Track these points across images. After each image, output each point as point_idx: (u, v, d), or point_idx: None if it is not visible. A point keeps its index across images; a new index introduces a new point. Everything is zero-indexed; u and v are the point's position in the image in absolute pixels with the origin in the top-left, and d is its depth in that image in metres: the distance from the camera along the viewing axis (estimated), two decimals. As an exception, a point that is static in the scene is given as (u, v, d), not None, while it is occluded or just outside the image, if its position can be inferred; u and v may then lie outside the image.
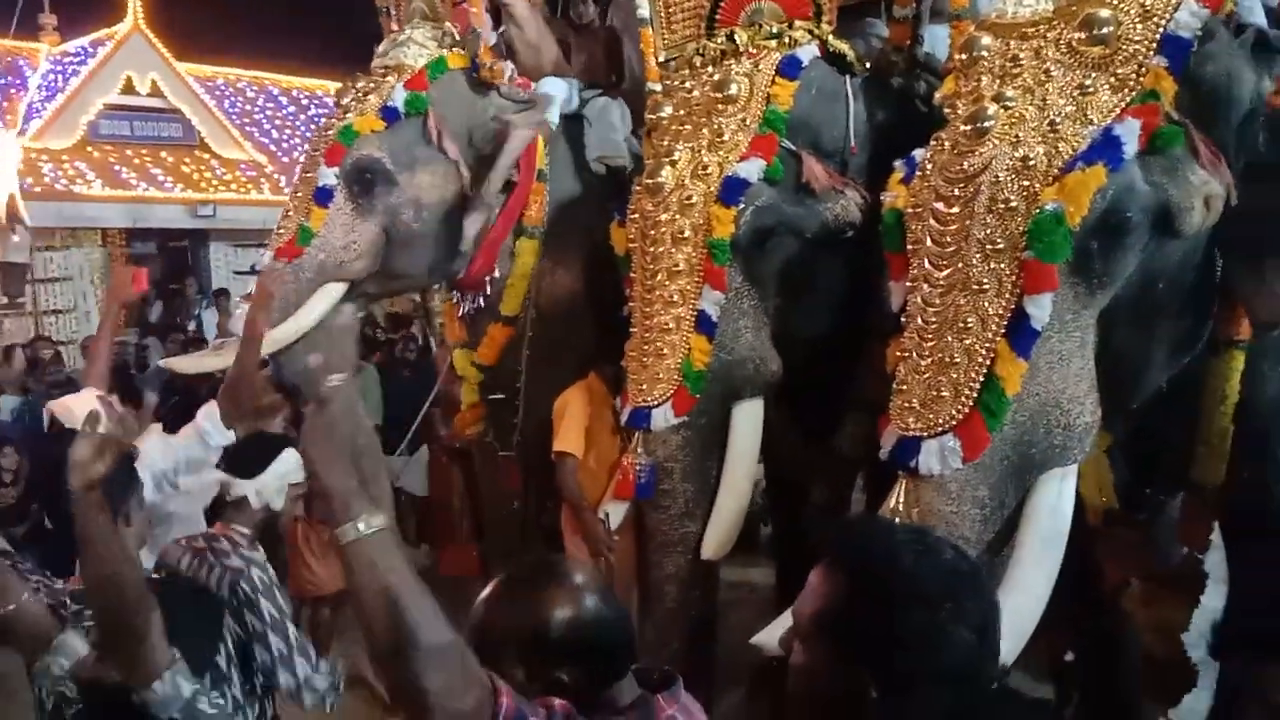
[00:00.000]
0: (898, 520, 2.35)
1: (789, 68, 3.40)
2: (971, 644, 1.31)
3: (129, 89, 12.63)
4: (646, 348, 3.31)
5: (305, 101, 15.74)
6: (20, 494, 5.62)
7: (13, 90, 12.27)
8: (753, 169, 3.26)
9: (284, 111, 15.45)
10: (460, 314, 4.67)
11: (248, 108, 14.99)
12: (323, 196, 3.95)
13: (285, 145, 14.64)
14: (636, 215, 3.43)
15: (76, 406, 3.66)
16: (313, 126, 14.53)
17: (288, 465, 2.80)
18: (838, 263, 3.40)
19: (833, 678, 1.35)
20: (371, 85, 4.15)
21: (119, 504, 2.36)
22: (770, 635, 2.61)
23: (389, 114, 4.03)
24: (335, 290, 3.96)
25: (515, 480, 4.78)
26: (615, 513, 3.65)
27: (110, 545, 1.87)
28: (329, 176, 3.95)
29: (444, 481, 6.46)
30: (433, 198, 4.07)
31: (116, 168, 12.29)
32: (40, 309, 11.26)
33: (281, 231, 4.03)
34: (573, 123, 4.53)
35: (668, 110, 3.52)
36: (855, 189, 3.34)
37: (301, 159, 12.54)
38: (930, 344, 2.52)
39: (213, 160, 13.32)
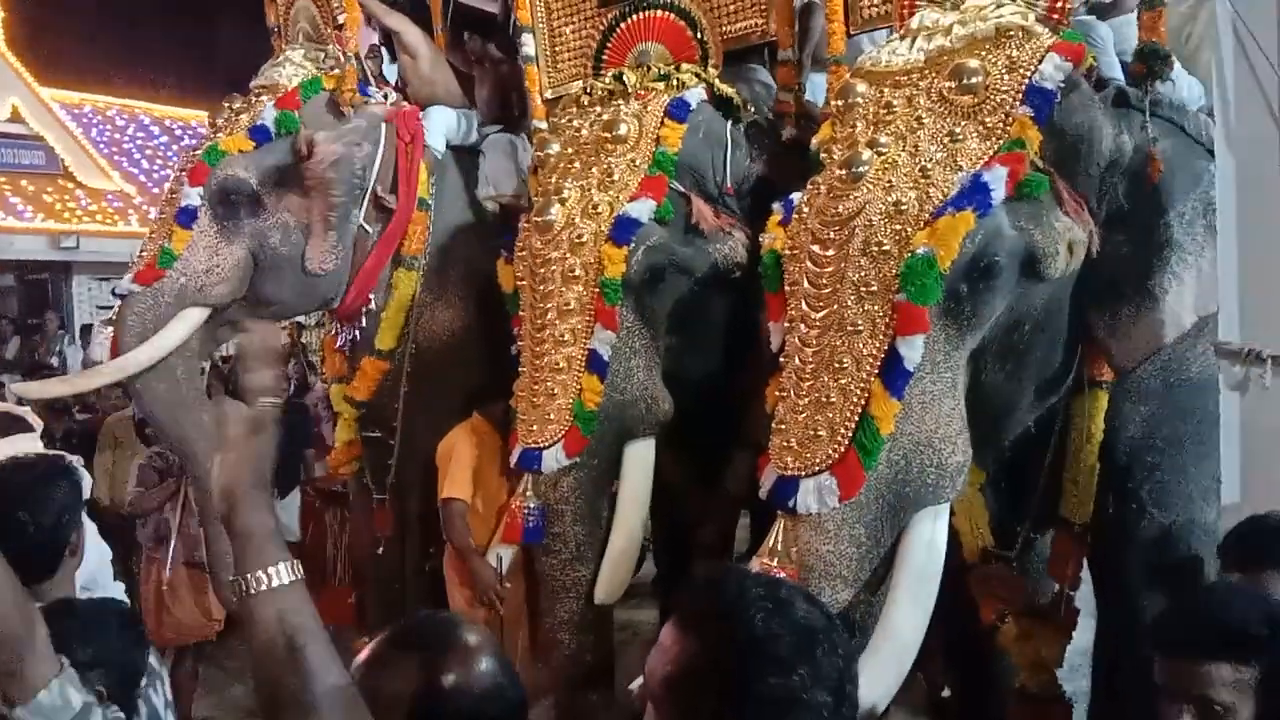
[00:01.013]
0: (754, 570, 2.32)
1: (677, 110, 3.43)
2: (827, 706, 1.24)
3: (-12, 114, 12.07)
4: (537, 387, 3.26)
5: (179, 131, 15.27)
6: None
7: None
8: (644, 209, 3.26)
9: (155, 141, 14.95)
10: (337, 346, 4.55)
11: (116, 136, 14.47)
12: (186, 218, 3.84)
13: (156, 176, 14.14)
14: (525, 252, 3.39)
15: None
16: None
17: None
18: (725, 303, 3.43)
19: None
20: (245, 105, 4.05)
21: (69, 532, 2.25)
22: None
23: (259, 133, 3.94)
24: (195, 315, 3.83)
25: (387, 524, 4.65)
26: (506, 556, 3.59)
27: None
28: (193, 197, 3.84)
29: (317, 525, 6.24)
30: (302, 220, 3.96)
31: (-29, 196, 11.70)
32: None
33: (143, 254, 3.90)
34: (466, 155, 4.49)
35: (555, 148, 3.50)
36: (742, 230, 3.37)
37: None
38: (807, 384, 2.53)
39: (77, 190, 12.79)
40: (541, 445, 3.20)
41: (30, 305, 12.79)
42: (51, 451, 3.37)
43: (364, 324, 4.33)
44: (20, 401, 4.12)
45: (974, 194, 2.48)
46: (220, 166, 3.85)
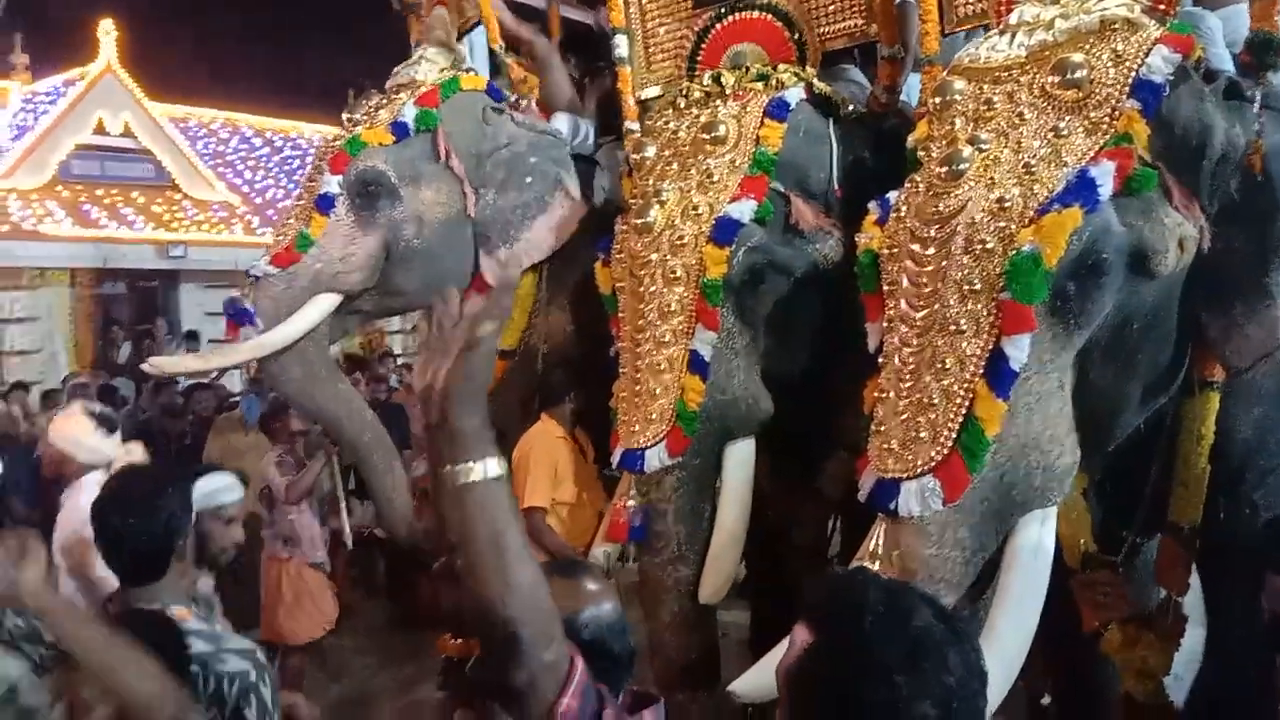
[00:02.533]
0: (882, 575, 2.32)
1: (777, 110, 3.42)
2: (930, 719, 1.23)
3: (101, 129, 12.57)
4: (638, 388, 3.28)
5: (279, 143, 15.73)
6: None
7: (-18, 130, 12.19)
8: (744, 209, 3.26)
9: (257, 153, 15.42)
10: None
11: (220, 148, 14.96)
12: (324, 204, 3.91)
13: (258, 186, 14.60)
14: (624, 255, 3.42)
15: (69, 428, 3.61)
16: (286, 168, 14.57)
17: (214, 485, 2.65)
18: (823, 303, 3.41)
19: None
20: (383, 101, 4.15)
21: (177, 538, 2.33)
22: (746, 683, 2.57)
23: (398, 129, 4.02)
24: (328, 301, 3.91)
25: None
26: (610, 555, 3.56)
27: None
28: (332, 184, 3.91)
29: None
30: (436, 215, 4.04)
31: (86, 207, 12.20)
32: (6, 349, 11.08)
33: (280, 238, 3.98)
34: (583, 163, 4.55)
35: (652, 150, 3.52)
36: (841, 230, 3.35)
37: (275, 200, 12.48)
38: (908, 385, 2.51)
39: (184, 200, 13.25)
40: (644, 445, 3.22)
41: (140, 312, 13.28)
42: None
43: None
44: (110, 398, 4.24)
45: (1080, 190, 2.44)
46: (360, 157, 3.94)
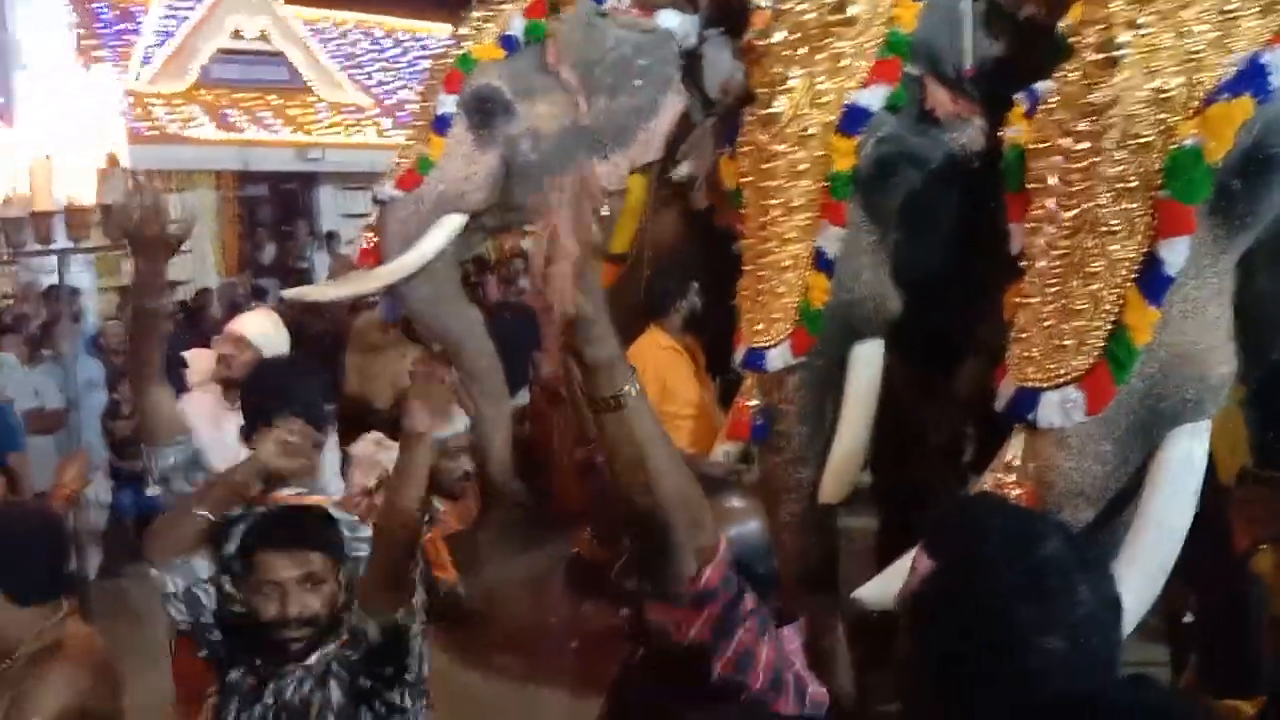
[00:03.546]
0: (1018, 487, 2.24)
1: None
2: (1058, 652, 1.15)
3: (237, 33, 12.83)
4: (762, 286, 3.21)
5: (408, 44, 15.80)
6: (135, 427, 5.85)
7: (126, 35, 12.56)
8: (875, 96, 3.12)
9: (387, 55, 15.53)
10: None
11: (351, 50, 15.11)
12: (441, 125, 3.95)
13: (388, 88, 14.74)
14: (750, 147, 3.31)
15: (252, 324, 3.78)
16: (415, 70, 14.65)
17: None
18: (960, 198, 3.26)
19: (910, 664, 1.27)
20: (490, 14, 4.13)
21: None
22: (871, 591, 2.54)
23: (507, 42, 4.01)
24: (455, 222, 3.98)
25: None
26: (731, 454, 3.56)
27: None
28: (448, 104, 3.94)
29: (543, 423, 6.50)
30: (551, 128, 4.03)
31: (227, 111, 12.54)
32: (159, 250, 11.60)
33: (401, 161, 4.03)
34: (689, 59, 4.43)
35: (779, 35, 3.34)
36: (980, 117, 3.18)
37: (405, 102, 12.52)
38: (1053, 290, 2.39)
39: (318, 103, 13.50)
40: (767, 344, 3.17)
41: (282, 213, 13.69)
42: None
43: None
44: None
45: (1251, 77, 2.26)
46: (473, 75, 3.94)
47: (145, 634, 2.42)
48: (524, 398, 6.67)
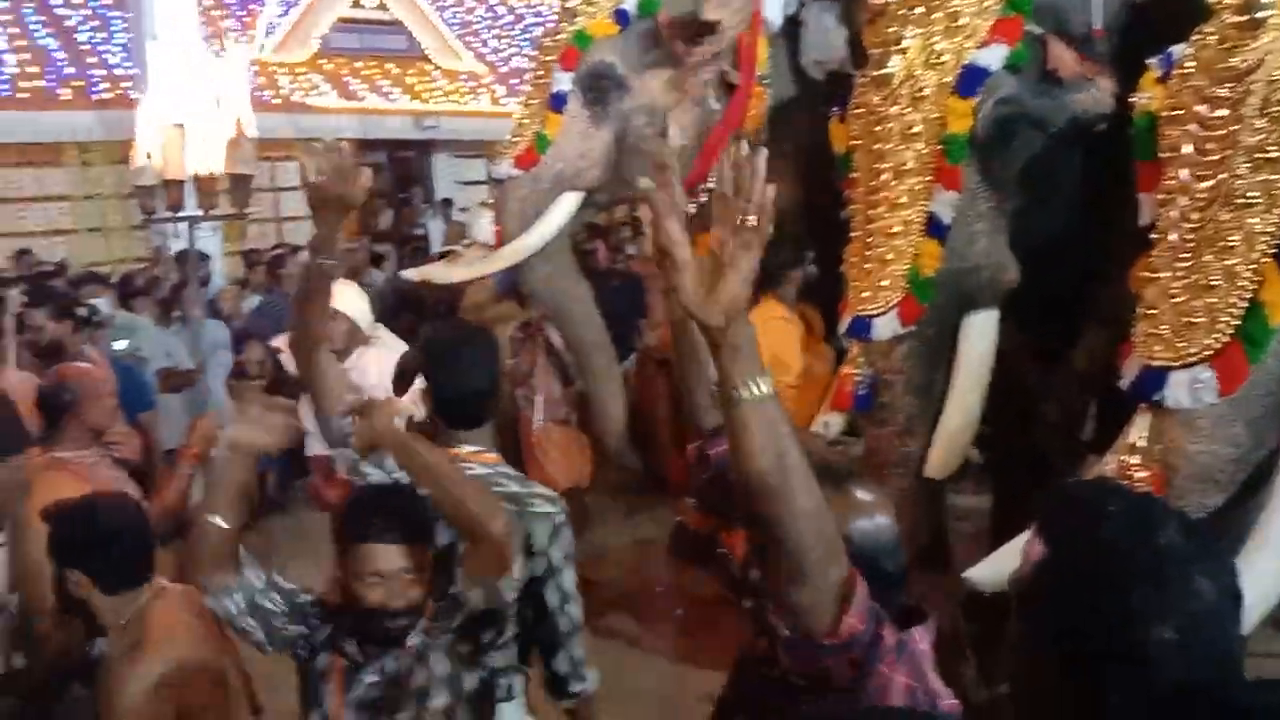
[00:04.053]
0: (1138, 473, 2.15)
1: None
2: (1170, 644, 1.11)
3: (357, 3, 13.08)
4: (869, 253, 3.14)
5: (523, 11, 15.89)
6: (265, 387, 6.08)
7: (251, 5, 12.93)
8: (994, 56, 3.01)
9: (502, 22, 15.65)
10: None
11: (467, 18, 15.27)
12: (558, 102, 3.94)
13: (503, 55, 14.87)
14: (861, 109, 3.23)
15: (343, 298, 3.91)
16: (529, 37, 14.73)
17: None
18: (1084, 163, 3.14)
19: (1021, 652, 1.24)
20: None
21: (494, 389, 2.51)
22: (983, 572, 2.48)
23: (621, 18, 3.98)
24: (572, 200, 3.99)
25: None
26: (834, 425, 3.50)
27: None
28: (564, 82, 3.94)
29: (649, 389, 6.52)
30: (665, 102, 4.01)
31: (347, 79, 12.83)
32: (281, 216, 11.98)
33: (517, 139, 4.04)
34: (792, 26, 4.36)
35: None
36: (1108, 79, 3.03)
37: (519, 70, 12.57)
38: (1185, 264, 2.28)
39: (435, 72, 13.70)
40: (873, 313, 3.10)
41: (399, 180, 13.97)
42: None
43: (701, 200, 4.36)
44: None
45: None
46: (589, 51, 3.94)
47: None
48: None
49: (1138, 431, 2.28)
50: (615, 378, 4.32)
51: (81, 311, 5.45)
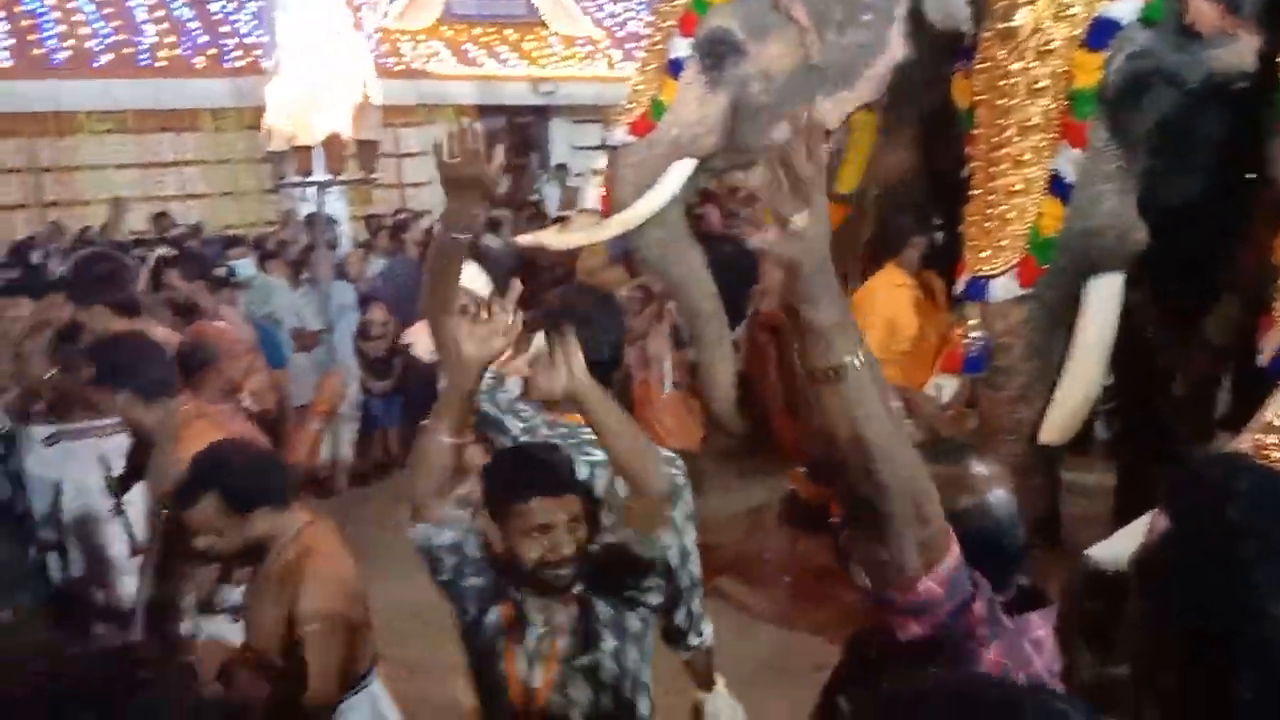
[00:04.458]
0: (1245, 446, 2.06)
1: None
2: None
3: (477, -32, 13.23)
4: (990, 211, 3.08)
5: (639, -25, 15.82)
6: (388, 347, 6.28)
7: (375, -28, 13.18)
8: (1127, 8, 2.91)
9: (618, -16, 15.61)
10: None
11: (584, -18, 15.28)
12: (675, 68, 3.93)
13: (619, 19, 14.85)
14: (986, 64, 3.16)
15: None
16: (645, 2, 14.66)
17: None
18: (1222, 121, 3.00)
19: (1144, 630, 1.22)
20: None
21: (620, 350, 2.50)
22: (1106, 550, 2.42)
23: None
24: (687, 166, 3.98)
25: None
26: (947, 387, 3.45)
27: None
28: (682, 48, 3.92)
29: (759, 354, 6.49)
30: (782, 67, 3.97)
31: (466, 46, 13.00)
32: (404, 181, 12.25)
33: (632, 105, 4.04)
34: None
35: None
36: (1252, 34, 2.88)
37: (635, 34, 12.49)
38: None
39: (552, 37, 13.77)
40: (991, 273, 3.04)
41: (516, 145, 14.12)
42: None
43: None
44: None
45: None
46: (708, 17, 3.91)
47: (390, 542, 2.57)
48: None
49: (1275, 409, 2.19)
50: (726, 345, 4.32)
51: (220, 272, 5.69)
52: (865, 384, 1.31)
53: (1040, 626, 1.48)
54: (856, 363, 1.29)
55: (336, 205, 9.42)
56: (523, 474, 2.05)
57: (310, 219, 7.63)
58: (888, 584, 1.39)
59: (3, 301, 4.68)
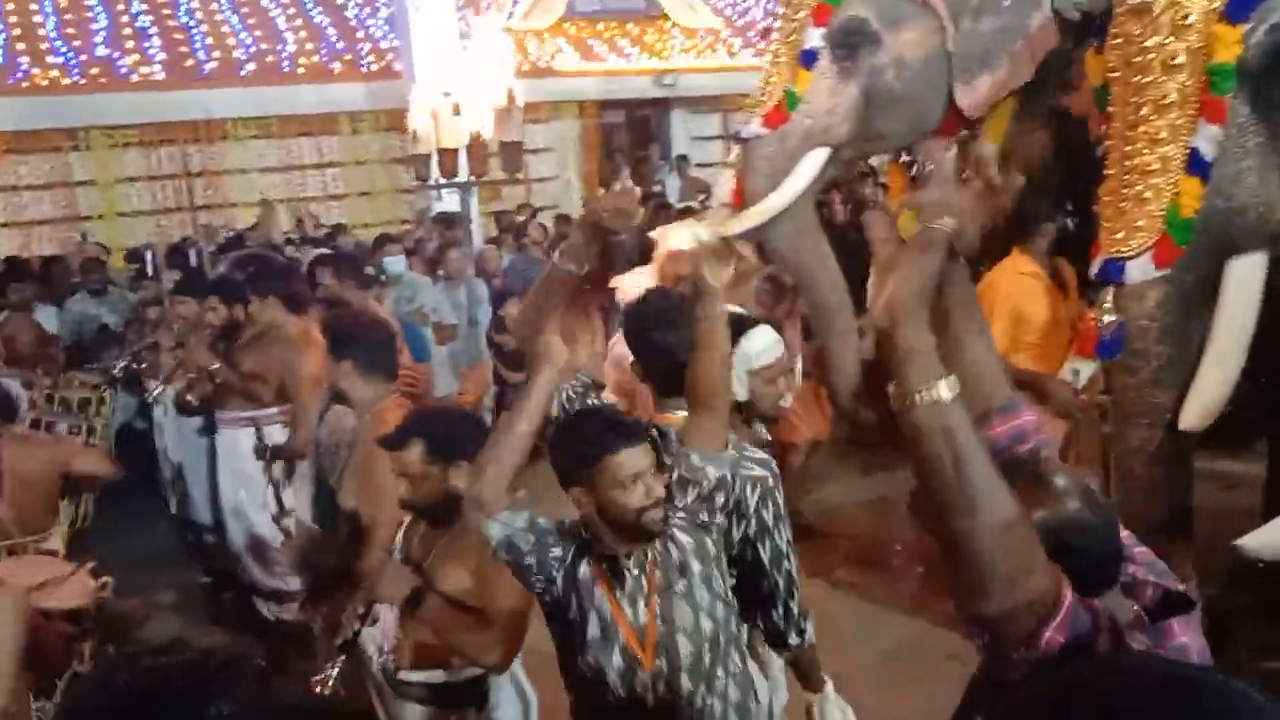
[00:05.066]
0: None
1: None
2: None
3: (596, -36, 13.39)
4: (1126, 191, 3.02)
5: (759, -38, 15.76)
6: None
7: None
8: None
9: (738, -26, 15.58)
10: (911, 174, 4.53)
11: (705, -27, 15.28)
12: (809, 59, 3.87)
13: (739, 8, 14.83)
14: (1120, 40, 3.09)
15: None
16: (762, -12, 14.59)
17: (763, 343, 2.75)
18: None
19: None
20: None
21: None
22: (1259, 540, 2.40)
23: None
24: (820, 156, 3.92)
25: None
26: (1084, 371, 3.39)
27: None
28: (816, 38, 3.87)
29: (887, 348, 6.45)
30: (916, 55, 3.90)
31: (590, 42, 13.19)
32: (530, 178, 12.52)
33: (764, 97, 3.99)
34: None
35: None
36: None
37: (755, 21, 12.48)
38: None
39: (673, 29, 13.84)
40: (1127, 255, 3.00)
41: (637, 138, 14.27)
42: None
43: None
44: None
45: None
46: (842, 7, 3.90)
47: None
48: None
49: None
50: (852, 336, 4.30)
51: (369, 270, 5.97)
52: (960, 413, 1.31)
53: (1183, 633, 1.43)
54: (945, 395, 1.30)
55: (468, 203, 9.72)
56: (607, 430, 2.16)
57: (446, 217, 7.90)
58: (1004, 642, 1.35)
59: (174, 299, 5.07)
